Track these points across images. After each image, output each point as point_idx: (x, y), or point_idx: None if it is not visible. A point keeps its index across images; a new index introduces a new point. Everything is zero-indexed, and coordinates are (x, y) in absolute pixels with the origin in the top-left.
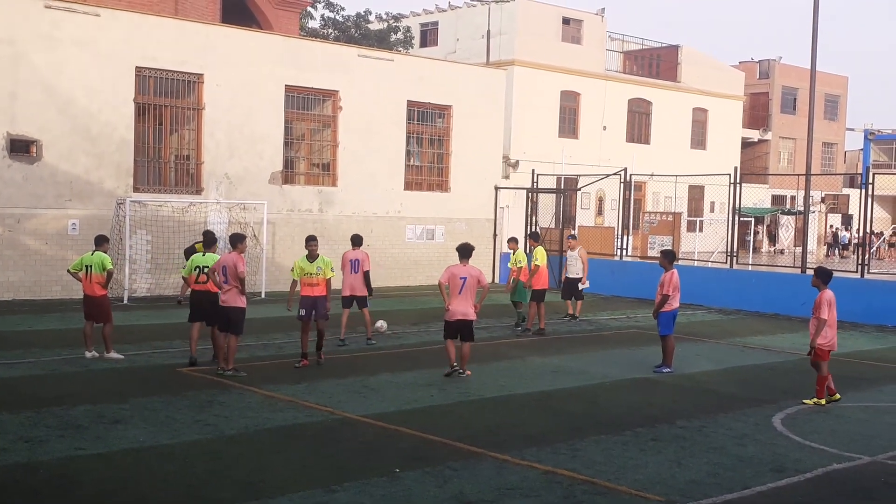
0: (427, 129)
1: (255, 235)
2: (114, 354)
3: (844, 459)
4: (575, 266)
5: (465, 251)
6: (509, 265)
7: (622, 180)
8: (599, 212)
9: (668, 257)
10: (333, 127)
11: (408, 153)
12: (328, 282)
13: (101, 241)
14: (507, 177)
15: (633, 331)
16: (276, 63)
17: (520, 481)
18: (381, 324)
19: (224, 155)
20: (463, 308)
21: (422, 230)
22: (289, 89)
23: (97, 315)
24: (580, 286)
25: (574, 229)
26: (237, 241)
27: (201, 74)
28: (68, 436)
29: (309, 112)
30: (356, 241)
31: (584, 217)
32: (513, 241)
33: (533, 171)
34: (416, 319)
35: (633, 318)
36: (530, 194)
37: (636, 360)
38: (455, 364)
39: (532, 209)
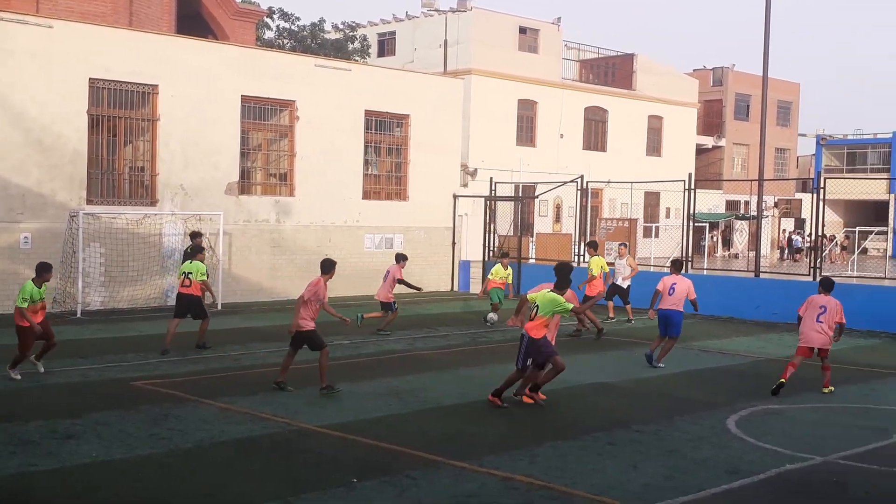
0: (385, 137)
1: (211, 247)
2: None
3: (797, 460)
4: (624, 272)
5: (562, 272)
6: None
7: (579, 187)
8: (557, 219)
9: (676, 266)
10: (290, 137)
11: (366, 162)
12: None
13: (42, 271)
14: (465, 185)
15: (591, 337)
16: (232, 73)
17: (478, 488)
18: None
19: (179, 166)
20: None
21: (380, 239)
22: (245, 99)
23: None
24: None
25: (532, 236)
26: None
27: (156, 85)
28: (20, 452)
29: (266, 122)
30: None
31: (542, 224)
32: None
33: (491, 178)
34: (376, 329)
35: (591, 324)
36: (488, 202)
37: (595, 366)
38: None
39: (490, 217)
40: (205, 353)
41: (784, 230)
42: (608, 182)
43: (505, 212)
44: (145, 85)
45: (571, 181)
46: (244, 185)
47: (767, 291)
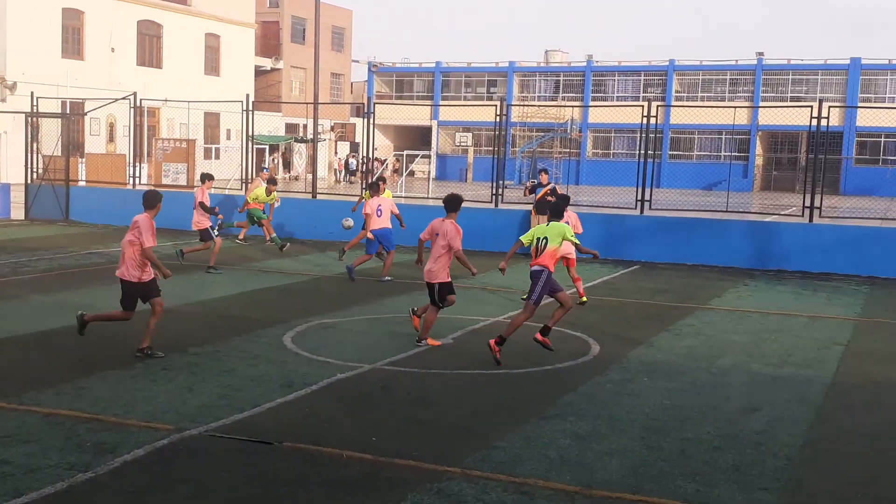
0: None
1: None
2: None
3: (348, 369)
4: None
5: (451, 204)
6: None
7: (132, 105)
8: (111, 138)
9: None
10: None
11: None
12: None
13: None
14: (3, 100)
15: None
16: None
17: (17, 428)
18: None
19: None
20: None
21: None
22: None
23: None
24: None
25: (82, 157)
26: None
27: None
28: None
29: None
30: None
31: (95, 144)
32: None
33: (32, 93)
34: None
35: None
36: (30, 119)
37: None
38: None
39: (33, 135)
40: None
41: (335, 153)
42: (165, 101)
43: (51, 130)
44: None
45: (124, 98)
46: None
47: (324, 212)
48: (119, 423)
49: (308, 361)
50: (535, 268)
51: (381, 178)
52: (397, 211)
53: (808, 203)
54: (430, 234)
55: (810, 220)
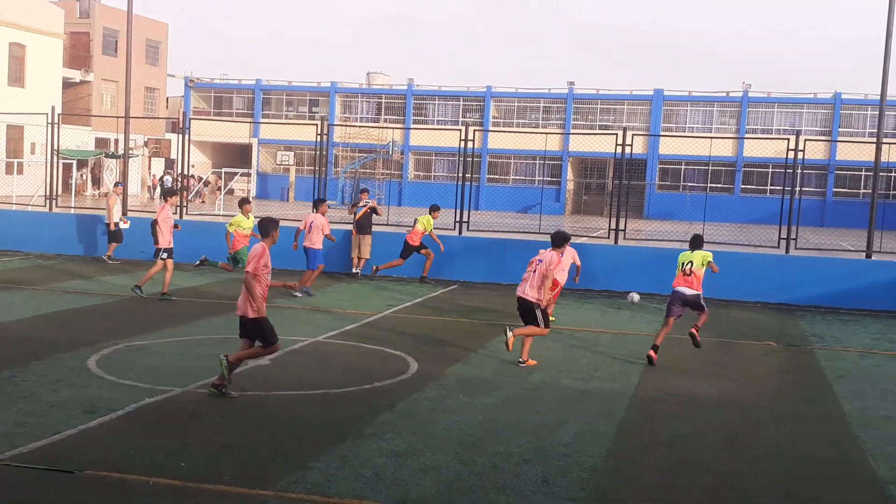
0: None
1: None
2: None
3: (157, 393)
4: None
5: (556, 239)
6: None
7: None
8: None
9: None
10: None
11: None
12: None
13: None
14: None
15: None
16: None
17: None
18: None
19: None
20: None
21: None
22: None
23: None
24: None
25: None
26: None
27: None
28: None
29: None
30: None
31: None
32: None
33: None
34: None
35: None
36: None
37: None
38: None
39: None
40: None
41: (150, 170)
42: None
43: None
44: None
45: None
46: None
47: (128, 232)
48: None
49: (114, 386)
50: (689, 291)
51: (322, 199)
52: (329, 229)
53: (614, 226)
54: (534, 262)
55: (616, 241)
